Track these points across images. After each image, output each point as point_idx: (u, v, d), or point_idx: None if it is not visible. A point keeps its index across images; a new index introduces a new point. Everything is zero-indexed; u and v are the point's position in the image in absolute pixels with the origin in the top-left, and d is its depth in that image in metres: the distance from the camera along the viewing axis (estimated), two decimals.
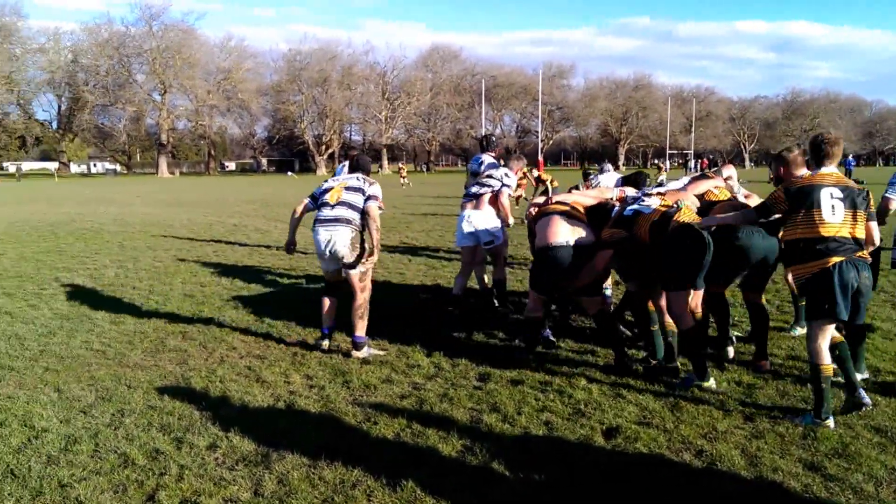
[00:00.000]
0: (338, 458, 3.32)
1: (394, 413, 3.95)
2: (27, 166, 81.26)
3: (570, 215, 4.77)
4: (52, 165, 79.54)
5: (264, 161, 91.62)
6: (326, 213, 5.03)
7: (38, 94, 72.38)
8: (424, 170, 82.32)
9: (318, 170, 75.48)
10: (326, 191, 5.14)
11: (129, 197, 28.97)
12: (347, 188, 5.10)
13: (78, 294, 7.50)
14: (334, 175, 6.33)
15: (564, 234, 4.63)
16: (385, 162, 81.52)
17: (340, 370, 4.77)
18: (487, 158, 6.68)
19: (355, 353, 5.06)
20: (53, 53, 68.69)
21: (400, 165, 51.44)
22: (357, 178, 5.21)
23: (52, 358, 5.09)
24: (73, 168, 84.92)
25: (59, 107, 76.85)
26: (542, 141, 79.11)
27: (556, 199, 5.10)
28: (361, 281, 5.14)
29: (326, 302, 5.35)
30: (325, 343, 5.26)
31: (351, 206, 5.02)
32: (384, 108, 79.77)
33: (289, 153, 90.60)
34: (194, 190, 36.68)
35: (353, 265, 5.05)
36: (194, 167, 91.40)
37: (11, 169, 75.07)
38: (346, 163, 6.28)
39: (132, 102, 70.16)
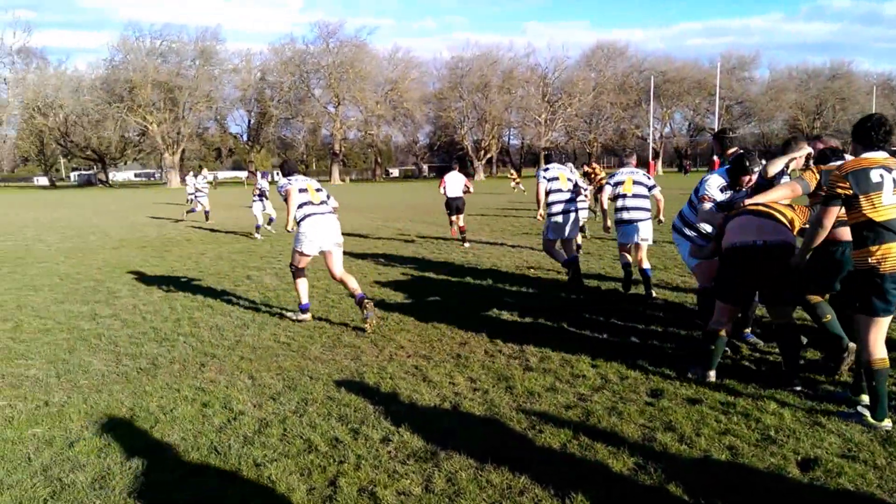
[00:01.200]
0: (504, 463, 3.35)
1: (559, 423, 3.91)
2: (222, 175, 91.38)
3: (766, 214, 4.42)
4: (243, 174, 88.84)
5: (425, 167, 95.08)
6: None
7: (232, 110, 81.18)
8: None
9: (477, 175, 76.95)
10: None
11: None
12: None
13: (266, 291, 8.28)
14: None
15: (760, 231, 4.30)
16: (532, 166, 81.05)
17: (503, 375, 4.81)
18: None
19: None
20: (245, 73, 76.64)
21: (511, 172, 49.89)
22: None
23: (246, 348, 5.67)
24: (259, 178, 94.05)
25: (249, 121, 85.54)
26: None
27: (749, 200, 4.69)
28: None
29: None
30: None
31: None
32: (544, 111, 79.32)
33: (448, 159, 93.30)
34: (363, 195, 39.02)
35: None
36: (362, 174, 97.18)
37: (209, 178, 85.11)
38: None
39: (310, 115, 76.27)
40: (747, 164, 5.05)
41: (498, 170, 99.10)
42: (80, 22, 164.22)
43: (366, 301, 6.20)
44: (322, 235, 6.52)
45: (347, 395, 4.41)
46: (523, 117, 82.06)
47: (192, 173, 24.76)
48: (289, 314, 6.87)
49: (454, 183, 13.57)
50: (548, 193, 8.18)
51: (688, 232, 5.65)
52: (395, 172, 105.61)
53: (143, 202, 34.48)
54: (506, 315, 6.65)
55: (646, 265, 7.55)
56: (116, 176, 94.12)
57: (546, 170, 8.42)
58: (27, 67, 69.89)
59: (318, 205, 6.61)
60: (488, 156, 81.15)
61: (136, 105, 67.18)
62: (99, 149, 74.84)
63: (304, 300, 6.69)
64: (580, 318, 6.43)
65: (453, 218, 13.44)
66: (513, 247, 12.02)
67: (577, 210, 8.35)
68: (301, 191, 6.58)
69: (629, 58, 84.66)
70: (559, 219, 8.06)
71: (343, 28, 75.97)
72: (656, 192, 7.86)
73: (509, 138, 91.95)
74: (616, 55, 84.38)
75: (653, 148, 67.22)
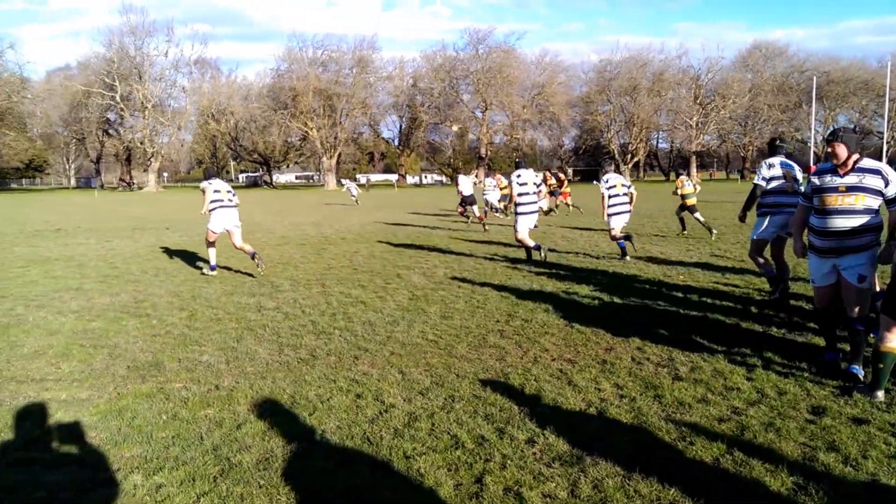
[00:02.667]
0: (652, 473, 3.24)
1: (711, 436, 3.70)
2: (374, 178, 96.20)
3: None
4: (393, 177, 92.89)
5: (570, 171, 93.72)
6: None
7: (385, 115, 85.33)
8: (739, 177, 75.33)
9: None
10: None
11: (454, 205, 32.18)
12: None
13: (414, 289, 8.61)
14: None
15: None
16: (693, 170, 76.81)
17: (651, 383, 4.64)
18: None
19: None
20: (398, 80, 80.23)
21: (681, 176, 47.09)
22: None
23: (396, 344, 5.93)
24: (409, 179, 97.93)
25: (400, 126, 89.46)
26: (886, 143, 66.11)
27: None
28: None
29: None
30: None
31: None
32: (695, 113, 75.28)
33: (594, 163, 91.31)
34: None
35: None
36: (507, 177, 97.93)
37: (362, 180, 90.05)
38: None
39: (458, 120, 78.18)
40: None
41: (645, 174, 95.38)
42: (250, 34, 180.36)
43: (256, 256, 9.83)
44: (225, 220, 9.93)
45: (493, 395, 4.48)
46: (673, 120, 78.53)
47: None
48: (204, 270, 10.26)
49: (466, 183, 18.25)
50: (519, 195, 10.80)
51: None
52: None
53: (303, 203, 37.18)
54: (653, 322, 6.40)
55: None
56: (279, 178, 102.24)
57: (518, 175, 10.85)
58: (203, 77, 78.10)
59: (225, 201, 9.95)
60: (635, 159, 78.38)
61: (298, 111, 72.68)
62: (264, 152, 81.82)
63: (213, 262, 10.19)
64: (734, 330, 6.03)
65: (467, 210, 18.10)
66: (658, 253, 11.52)
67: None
68: (215, 191, 9.93)
69: (789, 58, 78.34)
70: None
71: (493, 34, 77.07)
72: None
73: (658, 142, 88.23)
74: (775, 55, 78.31)
75: (814, 152, 61.22)
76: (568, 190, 22.45)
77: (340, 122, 75.65)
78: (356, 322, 6.79)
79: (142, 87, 70.84)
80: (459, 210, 19.51)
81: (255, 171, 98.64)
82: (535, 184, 10.94)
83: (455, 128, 79.19)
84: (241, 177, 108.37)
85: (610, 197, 10.83)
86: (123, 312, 7.47)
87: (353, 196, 33.28)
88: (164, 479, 3.40)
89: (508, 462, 3.46)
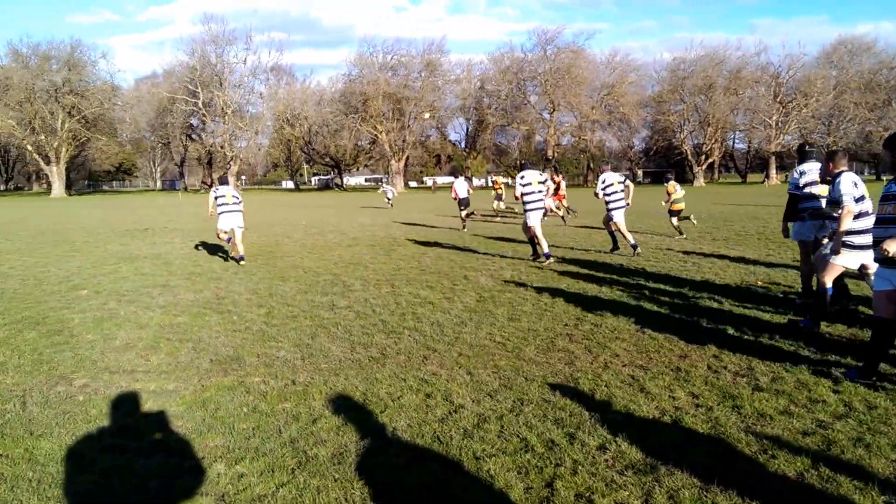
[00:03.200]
0: (732, 486, 3.14)
1: (795, 450, 3.56)
2: (441, 180, 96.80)
3: None
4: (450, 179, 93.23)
5: (640, 172, 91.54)
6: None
7: (452, 118, 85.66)
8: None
9: (696, 180, 72.12)
10: None
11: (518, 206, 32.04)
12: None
13: (482, 291, 8.63)
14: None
15: None
16: (773, 171, 73.53)
17: (729, 393, 4.49)
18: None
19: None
20: (466, 83, 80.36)
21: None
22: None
23: (464, 345, 5.97)
24: (475, 181, 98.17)
25: (467, 129, 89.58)
26: None
27: None
28: None
29: None
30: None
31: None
32: (775, 112, 71.92)
33: (665, 164, 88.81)
34: (575, 200, 38.64)
35: None
36: (573, 179, 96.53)
37: (429, 182, 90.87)
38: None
39: (525, 122, 77.63)
40: None
41: (720, 175, 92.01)
42: (323, 41, 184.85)
43: (242, 260, 11.55)
44: (229, 222, 11.81)
45: (562, 399, 4.44)
46: (751, 119, 75.32)
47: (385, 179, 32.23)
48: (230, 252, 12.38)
49: (462, 187, 19.23)
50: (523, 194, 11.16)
51: None
52: None
53: (371, 204, 37.84)
54: (730, 330, 6.18)
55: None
56: (349, 180, 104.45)
57: (522, 177, 11.14)
58: (278, 83, 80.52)
59: (231, 205, 11.85)
60: (710, 160, 75.74)
61: (368, 115, 74.02)
62: (336, 155, 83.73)
63: (227, 247, 13.06)
64: (820, 339, 5.75)
65: (464, 212, 18.80)
66: (735, 258, 11.10)
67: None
68: (219, 196, 11.97)
69: (877, 53, 73.63)
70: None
71: (561, 35, 76.07)
72: None
73: (734, 142, 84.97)
74: (861, 51, 73.83)
75: None
76: (563, 193, 21.72)
77: (408, 126, 76.54)
78: (425, 322, 6.88)
79: (222, 94, 73.83)
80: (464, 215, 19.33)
81: (327, 174, 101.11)
82: (539, 182, 11.16)
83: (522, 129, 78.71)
84: (314, 179, 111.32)
85: (608, 195, 12.00)
86: (206, 308, 7.83)
87: (388, 199, 34.18)
88: (246, 469, 3.55)
89: (579, 468, 3.43)
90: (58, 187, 71.53)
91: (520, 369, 5.17)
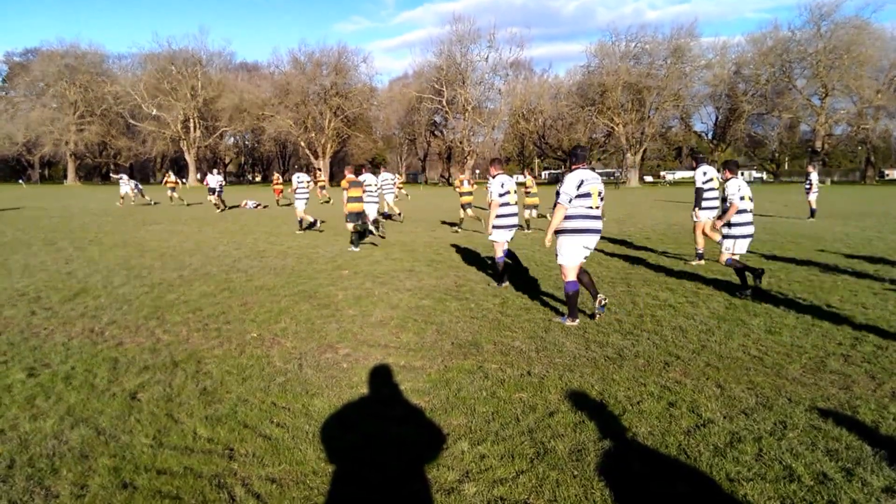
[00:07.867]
0: None
1: None
2: (678, 175, 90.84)
3: None
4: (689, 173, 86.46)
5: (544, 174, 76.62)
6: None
7: (699, 107, 79.58)
8: None
9: None
10: None
11: (778, 206, 28.83)
12: None
13: (729, 297, 7.87)
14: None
15: None
16: None
17: None
18: None
19: None
20: (718, 68, 73.67)
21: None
22: None
23: (711, 355, 5.49)
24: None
25: (716, 118, 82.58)
26: None
27: None
28: None
29: None
30: None
31: None
32: None
33: None
34: (848, 200, 33.67)
35: None
36: (846, 175, 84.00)
37: (668, 178, 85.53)
38: None
39: (788, 109, 69.16)
40: None
41: None
42: (559, 34, 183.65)
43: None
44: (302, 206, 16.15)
45: (836, 429, 3.85)
46: None
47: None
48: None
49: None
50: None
51: None
52: (893, 174, 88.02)
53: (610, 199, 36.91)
54: None
55: None
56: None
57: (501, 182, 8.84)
58: (517, 78, 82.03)
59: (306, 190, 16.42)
60: None
61: (605, 107, 72.20)
62: (568, 149, 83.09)
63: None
64: None
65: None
66: None
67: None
68: (299, 182, 16.39)
69: None
70: None
71: (841, 7, 65.71)
72: None
73: None
74: None
75: None
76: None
77: (649, 117, 72.98)
78: (665, 326, 6.48)
79: (464, 91, 77.71)
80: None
81: (558, 168, 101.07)
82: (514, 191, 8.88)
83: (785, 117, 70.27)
84: (544, 174, 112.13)
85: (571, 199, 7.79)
86: (447, 294, 8.29)
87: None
88: (487, 451, 3.67)
89: None
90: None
91: (781, 388, 4.60)
